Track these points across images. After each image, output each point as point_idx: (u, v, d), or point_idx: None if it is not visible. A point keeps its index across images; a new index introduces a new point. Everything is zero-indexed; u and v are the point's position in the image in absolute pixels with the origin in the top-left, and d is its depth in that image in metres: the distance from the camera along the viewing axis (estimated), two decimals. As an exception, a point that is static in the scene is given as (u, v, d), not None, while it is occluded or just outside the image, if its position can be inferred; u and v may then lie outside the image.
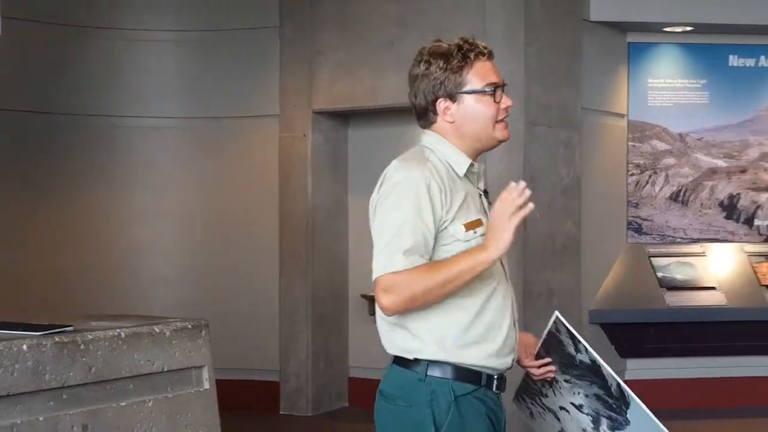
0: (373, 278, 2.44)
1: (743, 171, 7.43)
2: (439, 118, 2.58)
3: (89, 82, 7.12)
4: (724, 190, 7.40)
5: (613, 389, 2.59)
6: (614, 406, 2.59)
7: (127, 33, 7.22)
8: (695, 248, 7.31)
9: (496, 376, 2.55)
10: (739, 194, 7.40)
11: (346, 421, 6.84)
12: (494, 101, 2.56)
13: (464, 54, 2.55)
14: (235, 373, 6.79)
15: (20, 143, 6.82)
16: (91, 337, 3.17)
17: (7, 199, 6.75)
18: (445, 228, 2.47)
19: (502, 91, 2.59)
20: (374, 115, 6.97)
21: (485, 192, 2.65)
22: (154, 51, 7.28)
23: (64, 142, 7.04)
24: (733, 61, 7.36)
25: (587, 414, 2.65)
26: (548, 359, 2.74)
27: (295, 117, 7.04)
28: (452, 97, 2.55)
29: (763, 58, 7.37)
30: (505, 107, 2.59)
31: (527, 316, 6.21)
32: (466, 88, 2.55)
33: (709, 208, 7.39)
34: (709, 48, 7.31)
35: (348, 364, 7.22)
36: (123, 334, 3.26)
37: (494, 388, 2.56)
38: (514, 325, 2.60)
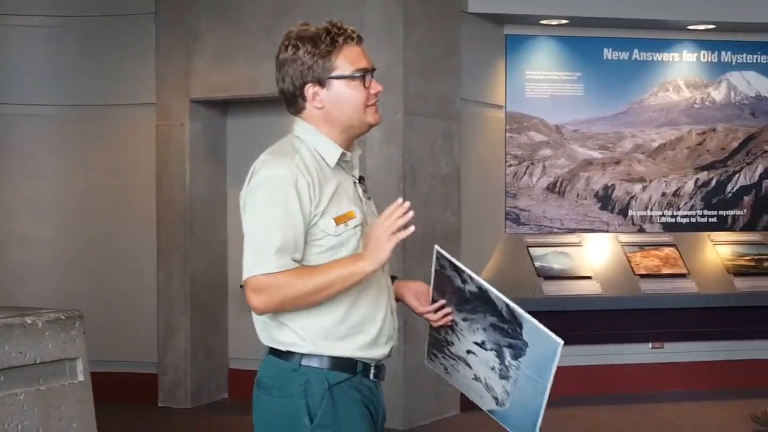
0: (244, 278, 2.45)
1: (617, 162, 7.71)
2: (308, 105, 2.57)
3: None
4: (599, 181, 7.67)
5: (504, 312, 2.58)
6: (510, 331, 2.59)
7: (-1, 18, 7.10)
8: (572, 238, 7.54)
9: (373, 365, 2.59)
10: (613, 185, 7.68)
11: (225, 413, 6.88)
12: (364, 86, 2.56)
13: (333, 38, 2.53)
14: (113, 366, 6.77)
15: None
16: (-41, 328, 3.15)
17: None
18: (315, 223, 2.48)
19: (371, 76, 2.58)
20: (253, 105, 7.00)
21: (361, 179, 2.66)
22: (27, 37, 7.17)
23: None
24: (608, 54, 7.63)
25: (491, 350, 2.64)
26: (442, 301, 2.73)
27: (173, 105, 7.02)
28: (321, 83, 2.54)
29: (636, 51, 7.64)
30: (375, 92, 2.59)
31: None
32: (335, 73, 2.53)
33: (585, 199, 7.64)
34: (585, 41, 7.55)
35: (228, 356, 7.26)
36: (-7, 326, 3.25)
37: (371, 377, 2.59)
38: (392, 314, 2.63)
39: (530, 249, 7.40)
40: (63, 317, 3.49)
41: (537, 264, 7.31)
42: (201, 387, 7.07)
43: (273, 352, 2.56)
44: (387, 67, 6.36)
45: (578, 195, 7.64)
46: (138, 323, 7.06)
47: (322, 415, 2.50)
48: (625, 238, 7.62)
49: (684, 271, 7.46)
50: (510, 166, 7.49)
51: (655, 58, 7.69)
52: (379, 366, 2.62)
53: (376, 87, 2.59)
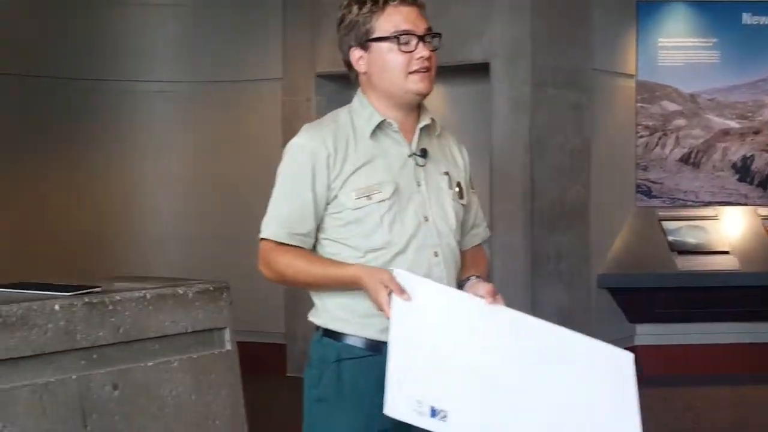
0: (259, 236, 2.56)
1: (757, 132, 7.62)
2: (355, 70, 2.53)
3: (89, 47, 7.38)
4: (737, 151, 7.61)
5: None
6: None
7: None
8: (707, 211, 7.52)
9: None
10: (752, 156, 7.60)
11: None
12: (404, 50, 2.45)
13: None
14: (242, 336, 7.06)
15: (21, 108, 7.07)
16: (118, 298, 3.42)
17: (9, 164, 7.01)
18: (336, 196, 2.47)
19: (421, 40, 2.46)
20: (378, 77, 7.17)
21: (423, 151, 2.54)
22: (158, 15, 7.54)
23: (65, 107, 7.30)
24: (747, 18, 7.53)
25: None
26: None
27: (299, 80, 7.28)
28: (363, 46, 2.47)
29: (777, 15, 7.53)
30: (420, 57, 2.45)
31: (535, 280, 6.50)
32: (375, 35, 2.46)
33: (722, 171, 7.59)
34: (721, 5, 7.49)
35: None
36: (148, 296, 3.51)
37: None
38: None
39: (663, 223, 7.41)
40: (211, 288, 3.74)
41: (670, 238, 7.32)
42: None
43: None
44: (516, 38, 6.47)
45: (714, 167, 7.60)
46: (266, 294, 7.34)
47: (323, 388, 2.51)
48: (765, 211, 7.55)
49: (827, 245, 7.35)
50: (641, 137, 7.50)
51: (796, 22, 7.58)
52: None
53: (420, 52, 2.45)
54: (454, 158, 2.64)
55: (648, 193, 7.51)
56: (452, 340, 2.37)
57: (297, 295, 7.26)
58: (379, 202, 2.44)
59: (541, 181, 6.51)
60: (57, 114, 7.25)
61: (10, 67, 6.91)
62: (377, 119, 2.49)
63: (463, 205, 2.62)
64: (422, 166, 2.53)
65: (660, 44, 7.47)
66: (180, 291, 3.63)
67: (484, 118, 6.48)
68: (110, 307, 3.39)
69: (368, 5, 2.46)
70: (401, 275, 2.37)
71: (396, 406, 2.20)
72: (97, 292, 3.42)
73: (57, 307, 3.25)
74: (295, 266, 2.49)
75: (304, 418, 2.61)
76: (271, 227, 2.52)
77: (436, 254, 2.50)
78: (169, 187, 7.61)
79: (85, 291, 3.39)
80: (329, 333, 2.53)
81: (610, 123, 7.23)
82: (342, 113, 2.54)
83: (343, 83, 7.37)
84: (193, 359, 3.62)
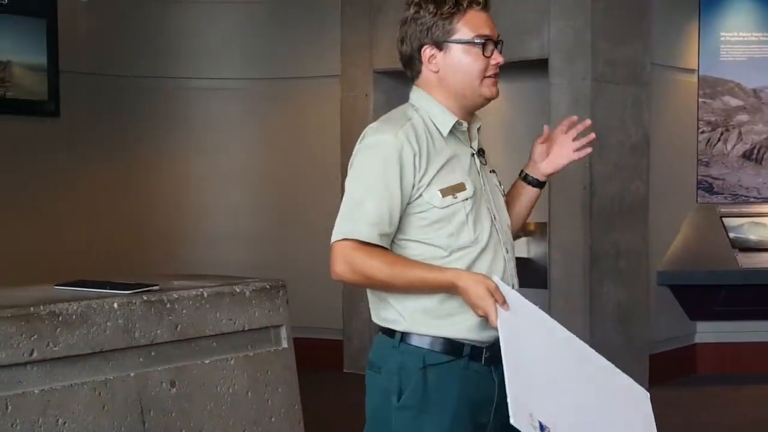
0: (333, 240, 2.44)
1: (820, 128, 7.52)
2: (424, 68, 2.52)
3: (146, 45, 7.46)
4: (800, 147, 7.51)
5: None
6: None
7: (186, -6, 7.56)
8: (770, 208, 7.40)
9: (485, 348, 2.48)
10: (817, 152, 7.50)
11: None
12: (483, 55, 2.49)
13: (457, 1, 2.48)
14: (300, 332, 7.10)
15: (82, 106, 7.16)
16: (176, 296, 3.46)
17: (66, 161, 7.11)
18: (420, 195, 2.44)
19: (496, 47, 2.51)
20: (436, 74, 7.16)
21: (481, 151, 2.59)
22: (217, 13, 7.59)
23: (127, 104, 7.39)
24: (811, 12, 7.41)
25: None
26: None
27: (357, 77, 7.29)
28: (439, 46, 2.49)
29: None
30: (496, 63, 2.50)
31: (593, 277, 6.45)
32: (455, 37, 2.48)
33: (785, 167, 7.50)
34: (785, -1, 7.36)
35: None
36: (205, 294, 3.55)
37: (483, 362, 2.49)
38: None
39: (724, 219, 7.31)
40: (268, 286, 3.77)
41: (732, 235, 7.22)
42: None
43: (381, 330, 2.56)
44: (574, 33, 6.42)
45: (777, 162, 7.49)
46: (324, 290, 7.37)
47: (409, 394, 2.45)
48: (828, 208, 7.44)
49: None
50: (702, 132, 7.42)
51: None
52: (495, 348, 2.41)
53: (497, 58, 2.50)
54: (488, 157, 2.69)
55: (709, 190, 7.43)
56: (541, 355, 2.42)
57: (354, 293, 7.29)
58: (464, 200, 2.46)
59: (600, 177, 6.46)
60: (115, 111, 7.34)
61: (70, 65, 6.99)
62: (452, 119, 2.51)
63: (506, 201, 2.70)
64: (485, 164, 2.59)
65: (722, 38, 7.37)
66: (237, 289, 3.66)
67: (542, 115, 6.44)
68: (168, 305, 3.43)
69: (448, 6, 2.47)
70: (500, 284, 2.41)
71: (518, 418, 2.22)
72: (155, 291, 3.45)
73: (116, 305, 3.29)
74: (386, 270, 2.39)
75: (369, 422, 2.57)
76: (360, 227, 2.40)
77: (507, 251, 2.55)
78: (227, 184, 7.66)
79: (143, 289, 3.43)
80: (408, 337, 2.48)
81: (670, 118, 7.16)
82: (410, 111, 2.52)
83: (401, 79, 7.41)
84: (250, 357, 3.65)
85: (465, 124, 2.54)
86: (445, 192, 2.44)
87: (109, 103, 7.29)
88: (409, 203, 2.44)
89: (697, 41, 7.33)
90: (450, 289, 2.40)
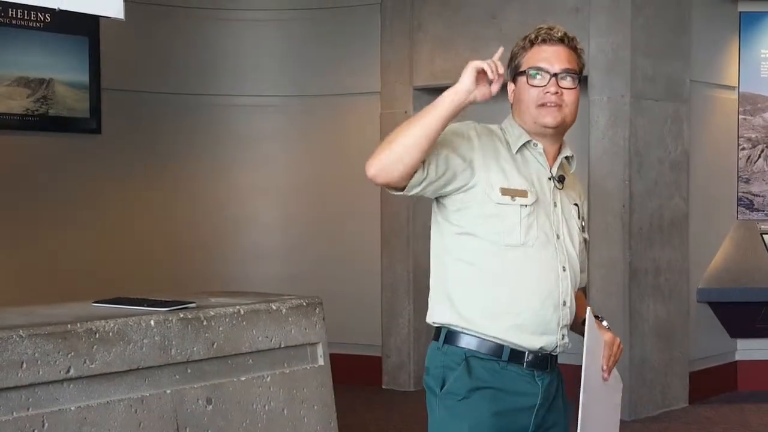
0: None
1: None
2: (509, 96, 2.71)
3: (192, 62, 7.46)
4: (840, 164, 7.37)
5: None
6: None
7: (228, 13, 7.53)
8: (810, 225, 7.27)
9: (527, 353, 2.58)
10: None
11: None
12: (533, 84, 2.61)
13: (531, 38, 2.65)
14: (339, 348, 7.07)
15: (123, 123, 7.17)
16: (212, 313, 3.43)
17: (116, 178, 7.12)
18: (474, 186, 2.56)
19: (554, 77, 2.60)
20: (476, 91, 7.10)
21: (561, 177, 2.68)
22: (258, 30, 7.58)
23: (168, 121, 7.39)
24: None
25: None
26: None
27: (396, 93, 7.24)
28: (513, 78, 2.68)
29: None
30: (547, 92, 2.60)
31: (633, 295, 6.34)
32: (520, 70, 2.65)
33: (826, 184, 7.37)
34: (826, 16, 7.26)
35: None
36: (242, 311, 3.52)
37: (524, 365, 2.58)
38: (559, 308, 2.59)
39: (764, 236, 7.22)
40: (305, 303, 3.73)
41: (772, 252, 7.12)
42: (422, 370, 7.26)
43: (434, 335, 2.69)
44: (614, 49, 6.33)
45: (818, 179, 7.36)
46: (363, 306, 7.34)
47: (451, 383, 2.58)
48: None
49: None
50: (743, 149, 7.30)
51: None
52: (541, 356, 2.59)
53: (549, 87, 2.60)
54: (579, 196, 2.80)
55: (750, 206, 7.31)
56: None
57: (393, 308, 7.23)
58: (521, 206, 2.57)
59: (639, 193, 6.37)
60: (155, 128, 7.33)
61: (111, 83, 7.01)
62: (525, 138, 2.65)
63: (585, 238, 2.77)
64: (560, 189, 2.69)
65: (763, 55, 7.27)
66: (273, 306, 3.62)
67: (582, 131, 6.35)
68: (204, 323, 3.40)
69: (521, 43, 2.67)
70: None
71: None
72: (192, 308, 3.41)
73: (152, 322, 3.27)
74: (401, 127, 2.48)
75: (431, 419, 2.66)
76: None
77: (564, 269, 2.62)
78: (267, 199, 7.63)
79: (180, 306, 3.39)
80: (451, 338, 2.60)
81: (709, 135, 7.05)
82: (493, 126, 2.70)
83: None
84: (286, 374, 3.61)
85: (540, 146, 2.65)
86: (505, 192, 2.57)
87: (150, 120, 7.30)
88: (464, 189, 2.56)
89: (737, 58, 7.23)
90: (453, 97, 2.46)
